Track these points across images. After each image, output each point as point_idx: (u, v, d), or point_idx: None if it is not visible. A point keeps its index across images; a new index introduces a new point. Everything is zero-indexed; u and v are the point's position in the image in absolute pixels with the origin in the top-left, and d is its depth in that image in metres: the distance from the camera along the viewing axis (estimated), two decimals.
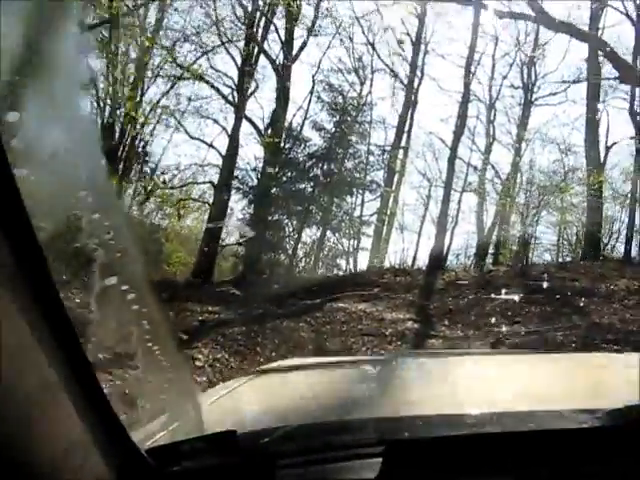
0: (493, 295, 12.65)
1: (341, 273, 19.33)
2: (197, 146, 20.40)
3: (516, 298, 12.18)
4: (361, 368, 2.51)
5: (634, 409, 1.21)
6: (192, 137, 20.03)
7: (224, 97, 19.86)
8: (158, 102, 18.66)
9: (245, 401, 1.87)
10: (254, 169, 20.70)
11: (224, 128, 19.94)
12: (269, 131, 20.42)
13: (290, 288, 13.39)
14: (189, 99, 19.60)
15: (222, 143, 19.87)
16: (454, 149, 19.07)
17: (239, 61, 19.84)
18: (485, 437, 1.25)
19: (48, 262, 0.85)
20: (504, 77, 21.80)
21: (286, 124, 20.62)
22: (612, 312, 11.26)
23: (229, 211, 19.85)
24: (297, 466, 1.19)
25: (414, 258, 21.16)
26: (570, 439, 1.24)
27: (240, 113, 19.49)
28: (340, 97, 21.74)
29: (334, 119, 21.45)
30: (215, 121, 20.24)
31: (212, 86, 19.54)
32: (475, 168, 21.59)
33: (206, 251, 18.16)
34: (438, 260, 17.52)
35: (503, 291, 12.82)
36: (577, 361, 2.48)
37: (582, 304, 11.81)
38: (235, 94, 19.87)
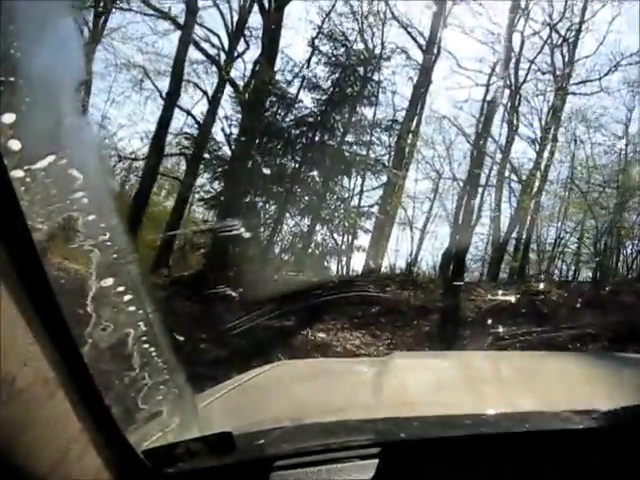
0: (570, 345, 7.86)
1: (330, 278, 13.88)
2: (170, 113, 16.67)
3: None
4: (357, 369, 2.51)
5: (631, 410, 1.21)
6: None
7: (206, 54, 16.65)
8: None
9: (241, 402, 1.87)
10: (228, 136, 15.90)
11: (205, 92, 17.03)
12: (249, 89, 16.16)
13: (256, 299, 8.59)
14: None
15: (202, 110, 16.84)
16: (481, 139, 16.26)
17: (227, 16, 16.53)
18: (481, 438, 1.25)
19: (44, 263, 0.85)
20: (531, 61, 18.12)
21: (272, 84, 15.71)
22: None
23: (195, 190, 16.39)
24: (293, 467, 1.19)
25: (415, 259, 17.62)
26: (567, 440, 1.24)
27: (223, 73, 16.15)
28: (342, 48, 16.09)
29: (333, 76, 15.89)
30: (196, 85, 17.27)
31: (194, 43, 16.50)
32: (492, 161, 17.89)
33: (166, 239, 15.35)
34: (458, 271, 13.44)
35: (579, 336, 8.13)
36: (574, 361, 2.48)
37: None
38: (221, 54, 16.86)
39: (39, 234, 0.87)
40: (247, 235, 10.95)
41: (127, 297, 1.10)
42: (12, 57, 0.85)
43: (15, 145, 0.83)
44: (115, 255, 1.07)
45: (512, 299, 10.44)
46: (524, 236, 17.85)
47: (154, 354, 1.18)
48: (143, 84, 17.44)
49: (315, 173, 15.64)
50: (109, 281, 1.05)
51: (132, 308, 1.12)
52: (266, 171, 14.82)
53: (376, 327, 9.60)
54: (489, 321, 9.17)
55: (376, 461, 1.20)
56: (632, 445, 1.21)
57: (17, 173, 0.84)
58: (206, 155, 16.08)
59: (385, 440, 1.26)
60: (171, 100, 15.75)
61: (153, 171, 15.74)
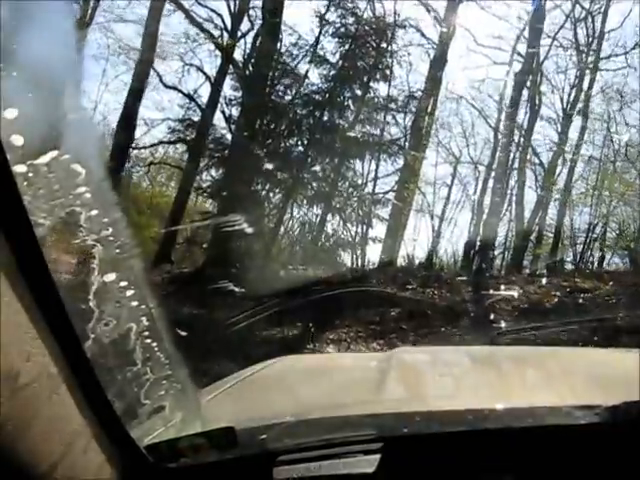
0: None
1: (342, 275, 12.17)
2: (171, 99, 16.03)
3: None
4: (360, 364, 2.51)
5: (633, 406, 1.21)
6: (167, 86, 15.81)
7: (207, 32, 15.26)
8: None
9: (244, 397, 1.88)
10: (228, 119, 14.38)
11: (207, 76, 15.49)
12: (250, 66, 14.48)
13: (259, 301, 7.45)
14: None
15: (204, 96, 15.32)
16: (502, 120, 15.29)
17: None
18: (484, 433, 1.25)
19: (46, 258, 0.85)
20: (553, 37, 16.64)
21: (275, 59, 14.07)
22: None
23: (197, 179, 14.92)
24: (296, 462, 1.20)
25: (432, 250, 16.07)
26: (569, 435, 1.24)
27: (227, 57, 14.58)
28: (352, 18, 14.24)
29: (342, 48, 14.12)
30: (198, 68, 15.81)
31: (194, 21, 15.47)
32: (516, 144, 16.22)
33: (168, 233, 14.21)
34: (485, 263, 12.64)
35: None
36: (577, 356, 2.48)
37: None
38: (224, 34, 15.46)
39: (42, 229, 0.87)
40: (251, 227, 9.82)
41: (130, 292, 1.10)
42: (14, 52, 0.85)
43: (17, 140, 0.83)
44: (118, 250, 1.07)
45: (554, 298, 8.82)
46: (551, 223, 16.49)
47: (156, 349, 1.19)
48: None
49: (324, 157, 14.06)
50: (112, 276, 1.05)
51: (134, 303, 1.12)
52: (270, 156, 13.16)
53: (397, 336, 8.09)
54: (533, 328, 7.09)
55: (379, 456, 1.20)
56: (634, 440, 1.21)
57: (20, 168, 0.84)
58: (196, 136, 14.88)
59: (388, 435, 1.26)
60: (143, 71, 14.49)
61: (124, 151, 14.77)
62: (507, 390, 1.69)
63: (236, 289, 8.62)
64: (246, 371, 2.13)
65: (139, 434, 1.16)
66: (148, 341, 1.17)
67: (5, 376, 0.78)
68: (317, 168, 14.12)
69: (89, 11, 15.56)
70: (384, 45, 14.50)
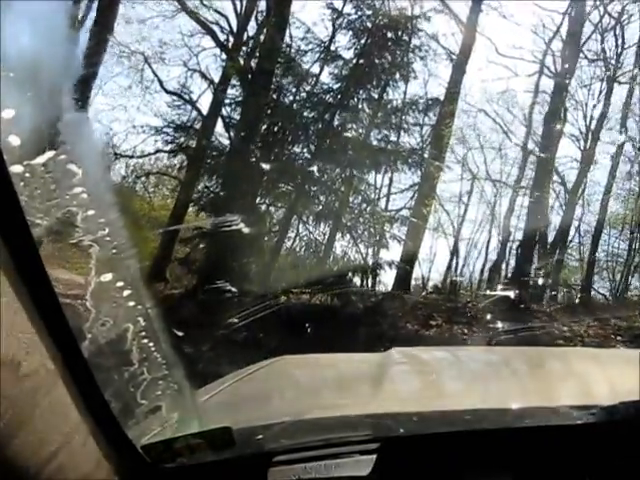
0: None
1: (353, 305, 10.49)
2: (171, 105, 15.23)
3: None
4: (356, 364, 2.51)
5: (631, 406, 1.21)
6: (168, 91, 15.44)
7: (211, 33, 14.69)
8: None
9: (241, 397, 1.88)
10: (227, 122, 13.24)
11: (211, 81, 15.07)
12: (253, 63, 13.17)
13: (255, 335, 6.94)
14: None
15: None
16: (529, 135, 14.66)
17: None
18: (481, 433, 1.26)
19: (43, 258, 0.85)
20: (580, 48, 15.50)
21: (281, 55, 12.48)
22: None
23: (197, 189, 13.48)
24: (292, 463, 1.20)
25: (454, 275, 14.92)
26: (566, 435, 1.24)
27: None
28: (369, 10, 12.62)
29: (358, 44, 12.44)
30: (201, 73, 15.50)
31: (198, 21, 15.06)
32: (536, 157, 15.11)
33: (163, 248, 13.34)
34: (521, 294, 10.69)
35: None
36: (575, 357, 2.48)
37: None
38: (230, 36, 15.12)
39: (38, 229, 0.87)
40: (250, 245, 9.19)
41: (126, 292, 1.10)
42: (11, 52, 0.85)
43: (14, 140, 0.83)
44: (114, 250, 1.07)
45: (616, 344, 7.41)
46: (578, 246, 15.40)
47: (153, 349, 1.19)
48: (143, 73, 16.28)
49: (334, 167, 12.29)
50: (108, 276, 1.05)
51: (131, 303, 1.12)
52: (273, 165, 11.52)
53: None
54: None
55: (375, 456, 1.20)
56: (631, 440, 1.21)
57: (16, 168, 0.84)
58: (196, 144, 13.84)
59: (384, 435, 1.26)
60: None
61: None
62: (504, 390, 1.70)
63: (232, 316, 7.99)
64: (243, 371, 2.13)
65: (136, 434, 1.16)
66: (145, 341, 1.17)
67: (7, 363, 0.78)
68: (325, 179, 12.30)
69: (82, 10, 15.27)
70: (406, 38, 12.93)
